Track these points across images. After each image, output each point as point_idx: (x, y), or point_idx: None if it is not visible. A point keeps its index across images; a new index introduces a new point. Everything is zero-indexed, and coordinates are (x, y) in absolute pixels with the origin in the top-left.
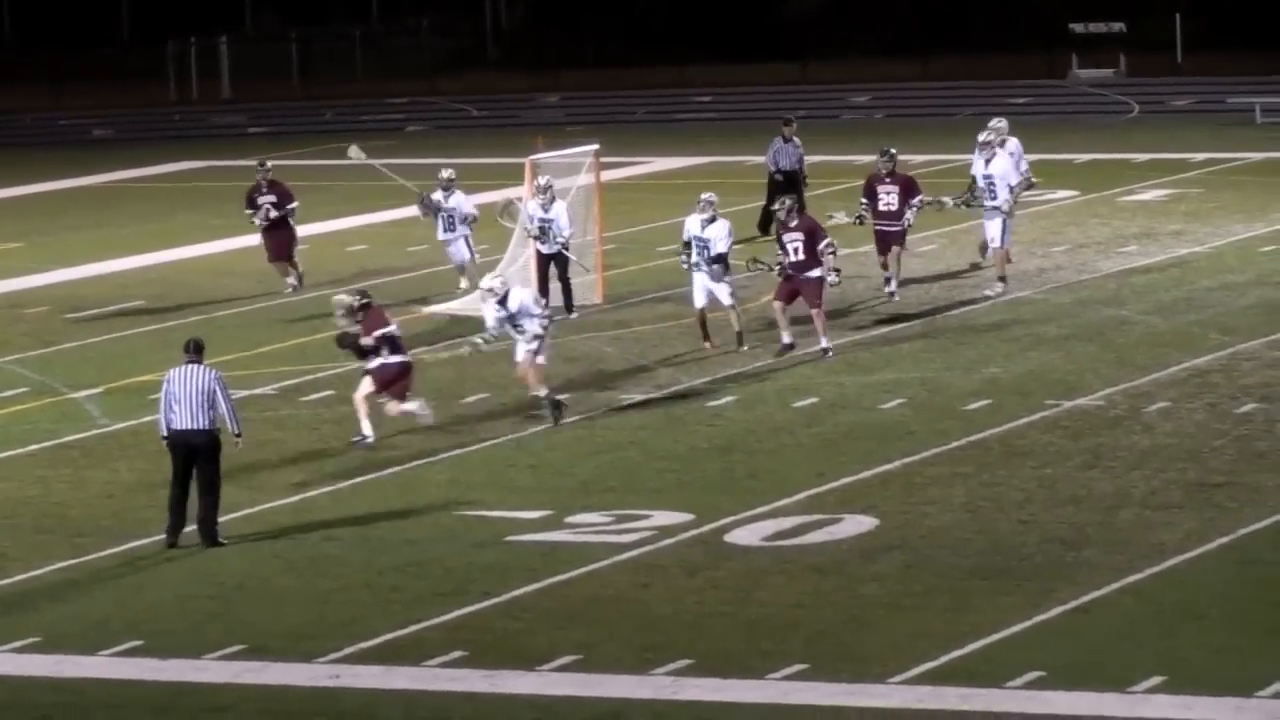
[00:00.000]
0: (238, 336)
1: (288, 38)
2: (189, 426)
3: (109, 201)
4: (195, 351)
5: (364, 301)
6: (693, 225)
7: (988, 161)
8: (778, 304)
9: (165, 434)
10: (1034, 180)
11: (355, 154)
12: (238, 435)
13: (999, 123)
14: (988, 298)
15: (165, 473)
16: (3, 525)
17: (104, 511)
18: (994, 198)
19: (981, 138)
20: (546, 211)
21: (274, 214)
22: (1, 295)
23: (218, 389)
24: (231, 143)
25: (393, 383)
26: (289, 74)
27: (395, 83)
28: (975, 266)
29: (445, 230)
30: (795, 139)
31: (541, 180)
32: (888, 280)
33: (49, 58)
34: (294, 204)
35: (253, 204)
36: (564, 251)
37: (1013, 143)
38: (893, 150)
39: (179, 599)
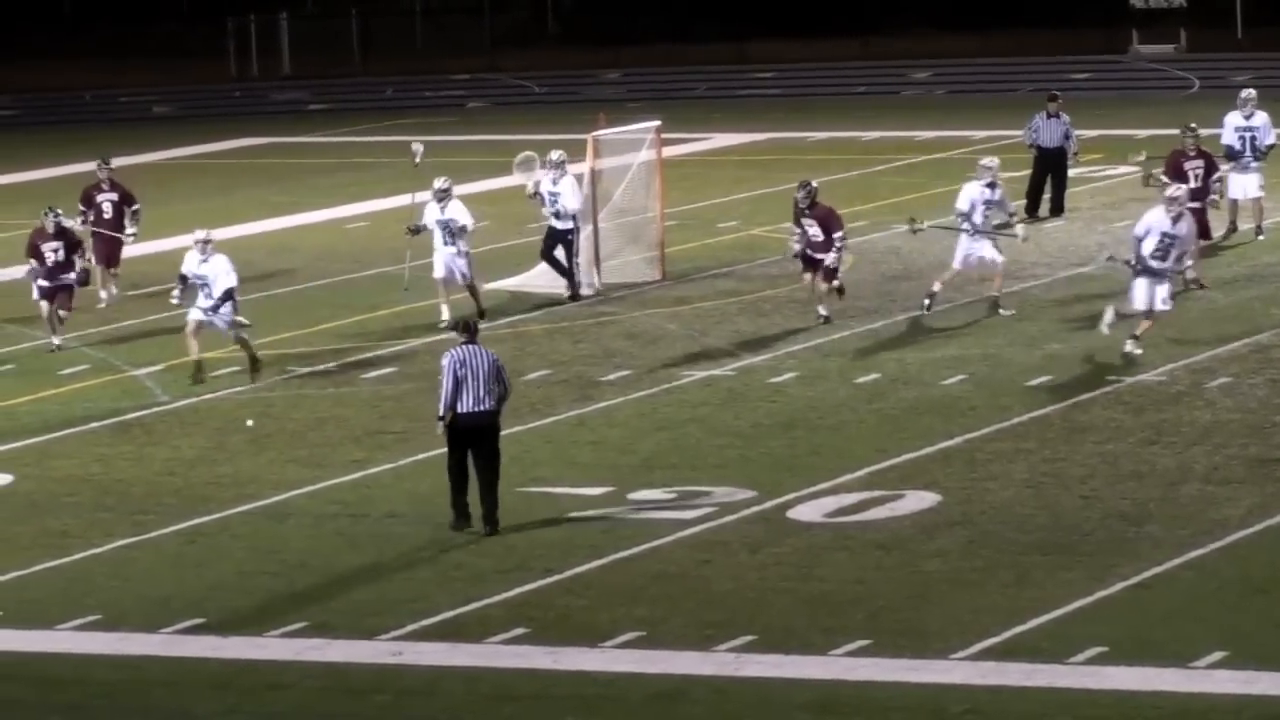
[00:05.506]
0: (298, 313)
1: (348, 14)
2: (474, 408)
3: (169, 179)
4: (473, 332)
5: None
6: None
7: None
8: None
9: (441, 415)
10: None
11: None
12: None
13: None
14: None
15: (227, 450)
16: (65, 503)
17: (166, 489)
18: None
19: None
20: (555, 185)
21: (110, 214)
22: None
23: (501, 369)
24: (292, 119)
25: None
26: (349, 50)
27: (456, 59)
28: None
29: (444, 242)
30: (1062, 114)
31: (554, 155)
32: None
33: (109, 34)
34: (136, 205)
35: (89, 202)
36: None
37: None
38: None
39: (241, 576)
